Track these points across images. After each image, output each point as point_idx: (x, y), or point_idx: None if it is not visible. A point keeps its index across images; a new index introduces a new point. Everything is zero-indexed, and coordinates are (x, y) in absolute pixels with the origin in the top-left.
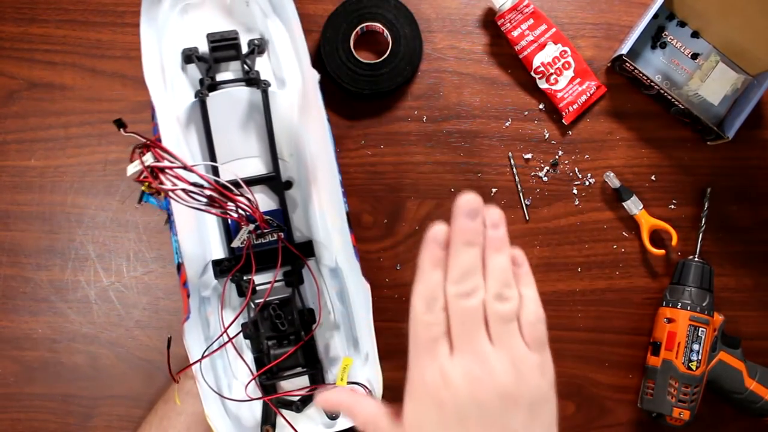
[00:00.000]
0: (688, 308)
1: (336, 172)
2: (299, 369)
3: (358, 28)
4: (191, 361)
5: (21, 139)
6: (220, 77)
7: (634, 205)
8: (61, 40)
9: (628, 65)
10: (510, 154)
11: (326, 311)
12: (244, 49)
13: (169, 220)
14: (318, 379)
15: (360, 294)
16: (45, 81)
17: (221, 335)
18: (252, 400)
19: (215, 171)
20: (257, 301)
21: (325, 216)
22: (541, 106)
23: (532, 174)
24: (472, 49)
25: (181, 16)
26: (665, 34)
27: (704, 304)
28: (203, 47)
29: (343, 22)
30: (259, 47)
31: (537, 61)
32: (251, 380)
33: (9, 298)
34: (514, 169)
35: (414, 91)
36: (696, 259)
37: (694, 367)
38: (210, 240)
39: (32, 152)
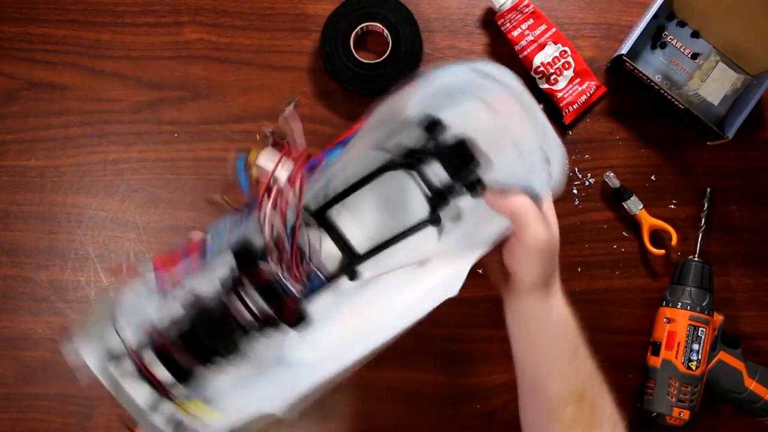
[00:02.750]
0: (688, 308)
1: None
2: None
3: (358, 28)
4: None
5: (21, 139)
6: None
7: (634, 205)
8: (61, 40)
9: (628, 65)
10: None
11: None
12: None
13: (249, 204)
14: None
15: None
16: (45, 81)
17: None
18: None
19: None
20: None
21: None
22: (541, 106)
23: None
24: (472, 49)
25: None
26: (665, 34)
27: (704, 304)
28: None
29: (343, 22)
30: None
31: (537, 61)
32: None
33: (9, 298)
34: None
35: None
36: (696, 258)
37: (693, 367)
38: None
39: (32, 152)
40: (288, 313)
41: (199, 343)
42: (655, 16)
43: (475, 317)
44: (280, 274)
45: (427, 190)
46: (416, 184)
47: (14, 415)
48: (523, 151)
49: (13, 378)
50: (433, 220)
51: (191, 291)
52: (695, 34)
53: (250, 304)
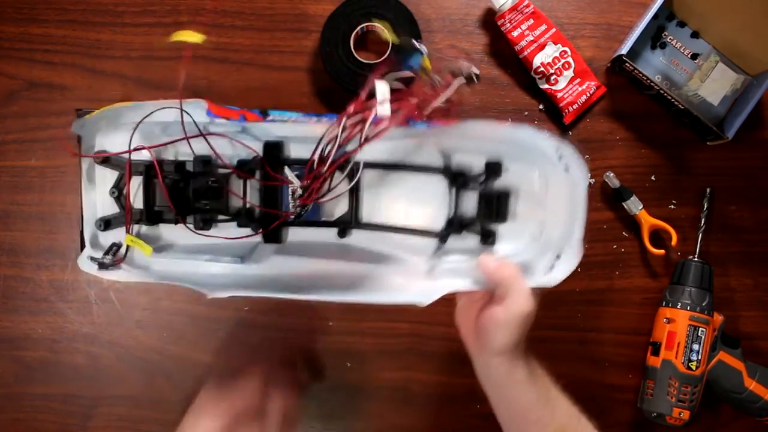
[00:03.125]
0: (688, 308)
1: None
2: None
3: (358, 28)
4: None
5: (21, 139)
6: None
7: (634, 205)
8: (61, 40)
9: (628, 65)
10: None
11: None
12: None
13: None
14: None
15: None
16: (45, 81)
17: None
18: None
19: None
20: None
21: None
22: (541, 107)
23: None
24: (472, 49)
25: None
26: (665, 35)
27: (704, 304)
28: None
29: (343, 22)
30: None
31: (537, 62)
32: None
33: (9, 298)
34: None
35: None
36: (696, 259)
37: (693, 367)
38: None
39: (32, 152)
40: (271, 224)
41: (185, 198)
42: (655, 17)
43: None
44: (291, 190)
45: (452, 211)
46: (448, 200)
47: (14, 415)
48: (546, 236)
49: (13, 378)
50: (441, 236)
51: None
52: (695, 35)
53: (248, 195)
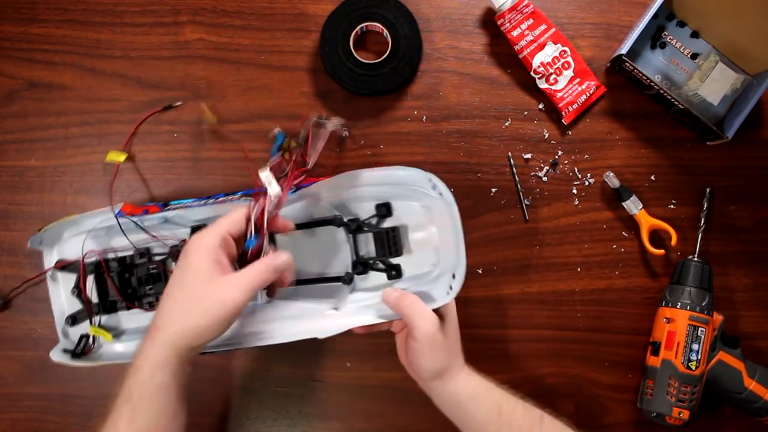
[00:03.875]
0: (688, 308)
1: None
2: None
3: (358, 28)
4: None
5: (21, 139)
6: None
7: (633, 205)
8: (61, 40)
9: (628, 65)
10: (510, 154)
11: None
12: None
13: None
14: None
15: None
16: (45, 81)
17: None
18: None
19: None
20: None
21: None
22: (540, 106)
23: (532, 174)
24: (472, 49)
25: None
26: (665, 34)
27: (704, 304)
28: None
29: (343, 22)
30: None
31: (537, 61)
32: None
33: (9, 298)
34: (514, 169)
35: (414, 91)
36: (695, 258)
37: (693, 367)
38: None
39: (32, 152)
40: None
41: (132, 287)
42: (655, 16)
43: (474, 317)
44: None
45: (353, 254)
46: (349, 246)
47: (14, 415)
48: (442, 259)
49: (13, 378)
50: (346, 279)
51: (144, 244)
52: (695, 34)
53: None
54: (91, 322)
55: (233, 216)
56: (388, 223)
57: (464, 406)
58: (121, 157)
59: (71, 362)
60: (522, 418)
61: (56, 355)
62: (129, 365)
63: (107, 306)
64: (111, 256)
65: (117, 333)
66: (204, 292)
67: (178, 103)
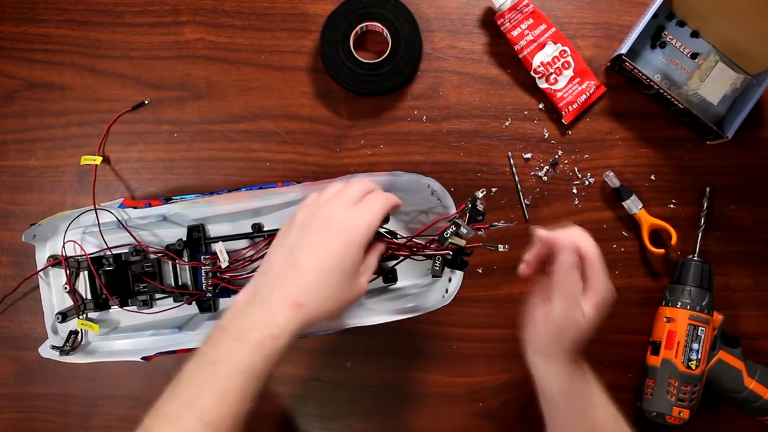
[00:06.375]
0: (688, 307)
1: None
2: None
3: (358, 28)
4: None
5: (21, 139)
6: None
7: (633, 205)
8: (61, 39)
9: (628, 65)
10: (510, 153)
11: None
12: None
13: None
14: None
15: None
16: (44, 81)
17: None
18: None
19: None
20: None
21: None
22: (540, 106)
23: (532, 174)
24: (472, 49)
25: None
26: (665, 34)
27: (704, 304)
28: None
29: (343, 22)
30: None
31: (536, 61)
32: None
33: (9, 298)
34: (514, 169)
35: (414, 90)
36: (695, 258)
37: (693, 366)
38: None
39: (32, 152)
40: (197, 297)
41: (126, 283)
42: (655, 16)
43: (475, 317)
44: (205, 270)
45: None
46: None
47: (14, 415)
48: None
49: (13, 378)
50: None
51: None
52: (695, 34)
53: (178, 275)
54: (78, 316)
55: (388, 203)
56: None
57: (556, 394)
58: (98, 160)
59: (60, 358)
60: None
61: (45, 352)
62: (249, 331)
63: (99, 303)
64: (107, 253)
65: (109, 329)
66: (352, 282)
67: (147, 101)
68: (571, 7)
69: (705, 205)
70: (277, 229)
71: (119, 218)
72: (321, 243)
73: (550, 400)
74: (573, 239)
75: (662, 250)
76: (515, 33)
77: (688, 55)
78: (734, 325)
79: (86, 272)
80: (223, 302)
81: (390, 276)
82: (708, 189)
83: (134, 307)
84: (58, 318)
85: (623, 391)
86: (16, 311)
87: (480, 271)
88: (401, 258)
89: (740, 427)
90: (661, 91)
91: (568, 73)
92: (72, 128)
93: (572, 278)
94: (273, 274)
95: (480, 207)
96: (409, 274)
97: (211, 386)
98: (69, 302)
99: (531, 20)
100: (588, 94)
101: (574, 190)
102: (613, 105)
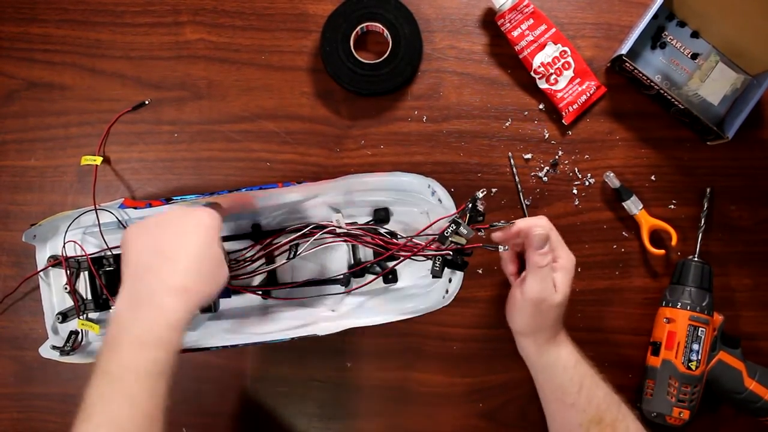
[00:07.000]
0: (688, 308)
1: None
2: None
3: (358, 28)
4: None
5: (21, 139)
6: None
7: (634, 205)
8: (61, 39)
9: (628, 65)
10: (510, 154)
11: None
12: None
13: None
14: None
15: None
16: (44, 81)
17: None
18: None
19: None
20: None
21: None
22: (541, 106)
23: (532, 174)
24: (472, 49)
25: None
26: (665, 34)
27: (704, 304)
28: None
29: (343, 22)
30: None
31: (537, 61)
32: None
33: (9, 298)
34: (514, 169)
35: (414, 91)
36: (696, 258)
37: (693, 367)
38: None
39: (32, 152)
40: None
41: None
42: (655, 16)
43: (475, 317)
44: None
45: (351, 258)
46: (347, 248)
47: (14, 415)
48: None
49: (13, 378)
50: (343, 281)
51: None
52: (695, 34)
53: None
54: (78, 316)
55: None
56: (386, 228)
57: (547, 369)
58: (98, 160)
59: (60, 358)
60: (602, 398)
61: (45, 352)
62: (142, 328)
63: (100, 303)
64: (108, 253)
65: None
66: (223, 265)
67: (147, 101)
68: (572, 7)
69: (705, 206)
70: (277, 229)
71: (120, 218)
72: (182, 231)
73: (547, 381)
74: (528, 224)
75: (662, 251)
76: (515, 33)
77: (689, 56)
78: (734, 325)
79: (87, 272)
80: (223, 302)
81: (390, 276)
82: (708, 189)
83: None
84: (58, 318)
85: (623, 392)
86: (16, 311)
87: (480, 271)
88: (401, 258)
89: (740, 427)
90: (662, 91)
91: (569, 73)
92: (72, 128)
93: (540, 255)
94: (146, 275)
95: (480, 207)
96: (409, 274)
97: (121, 399)
98: (69, 302)
99: (531, 21)
100: (588, 95)
101: (575, 191)
102: (613, 105)
